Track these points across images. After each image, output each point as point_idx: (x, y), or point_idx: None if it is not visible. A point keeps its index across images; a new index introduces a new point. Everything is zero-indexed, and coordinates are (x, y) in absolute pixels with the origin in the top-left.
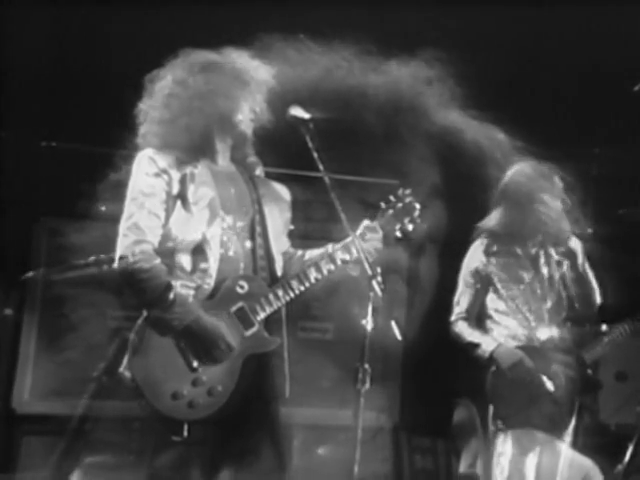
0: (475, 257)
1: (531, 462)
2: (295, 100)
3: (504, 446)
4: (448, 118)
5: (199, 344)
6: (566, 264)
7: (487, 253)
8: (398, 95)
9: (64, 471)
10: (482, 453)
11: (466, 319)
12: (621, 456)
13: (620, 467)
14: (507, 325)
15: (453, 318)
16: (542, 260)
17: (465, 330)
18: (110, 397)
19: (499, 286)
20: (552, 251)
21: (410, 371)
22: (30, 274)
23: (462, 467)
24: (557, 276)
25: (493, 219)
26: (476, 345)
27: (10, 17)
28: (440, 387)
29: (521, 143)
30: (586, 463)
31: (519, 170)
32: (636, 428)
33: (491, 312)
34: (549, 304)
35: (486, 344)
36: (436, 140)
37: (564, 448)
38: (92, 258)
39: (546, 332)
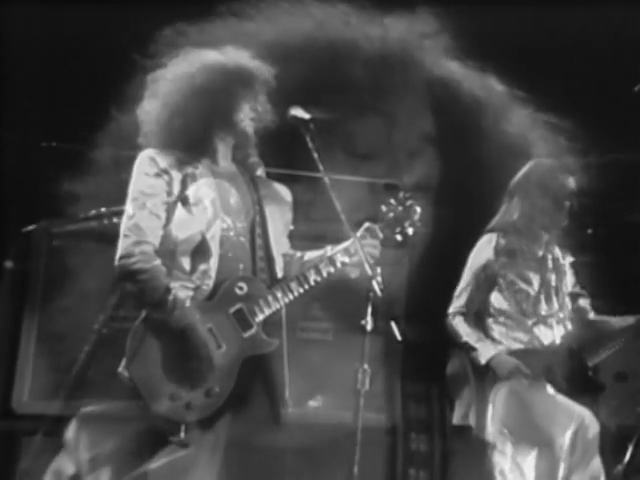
0: (484, 253)
1: (525, 411)
2: (286, 53)
3: (499, 394)
4: (444, 69)
5: (187, 349)
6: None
7: (497, 251)
8: (393, 47)
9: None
10: (475, 404)
11: (464, 314)
12: (621, 456)
13: (620, 467)
14: (509, 326)
15: (451, 311)
16: (550, 264)
17: (462, 327)
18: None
19: (504, 286)
20: (560, 255)
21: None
22: (32, 227)
23: (455, 418)
24: (564, 281)
25: (506, 215)
26: (472, 348)
27: (10, 17)
28: (434, 335)
29: (522, 93)
30: (582, 411)
31: (534, 166)
32: (636, 429)
33: (494, 311)
34: (553, 308)
35: (483, 350)
36: (431, 90)
37: (559, 396)
38: (92, 212)
39: (549, 335)
